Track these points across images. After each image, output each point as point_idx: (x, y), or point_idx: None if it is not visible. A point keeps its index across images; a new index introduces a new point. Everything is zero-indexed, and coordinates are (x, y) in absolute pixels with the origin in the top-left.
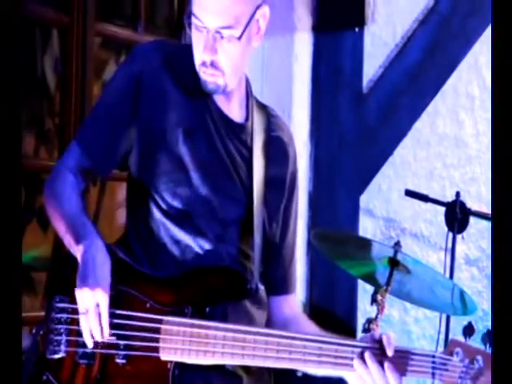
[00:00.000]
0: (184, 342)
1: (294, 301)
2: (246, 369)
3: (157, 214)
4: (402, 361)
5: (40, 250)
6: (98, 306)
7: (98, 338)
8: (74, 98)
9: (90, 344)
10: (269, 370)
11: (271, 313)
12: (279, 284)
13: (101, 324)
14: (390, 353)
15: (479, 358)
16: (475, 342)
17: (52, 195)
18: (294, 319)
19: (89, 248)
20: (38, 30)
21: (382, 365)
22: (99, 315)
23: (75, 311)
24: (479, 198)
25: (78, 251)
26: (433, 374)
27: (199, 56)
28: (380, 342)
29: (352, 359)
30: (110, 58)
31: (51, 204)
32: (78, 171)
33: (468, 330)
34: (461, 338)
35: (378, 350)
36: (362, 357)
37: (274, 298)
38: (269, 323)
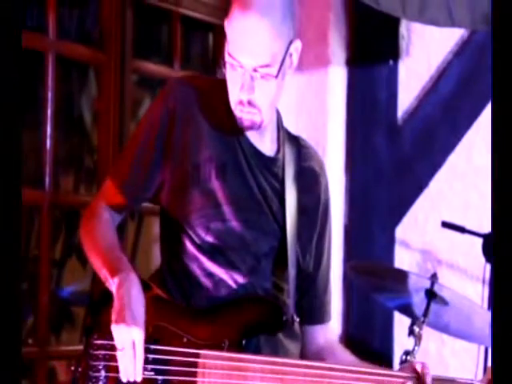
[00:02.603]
0: (222, 375)
1: (329, 330)
2: None
3: (190, 248)
4: None
5: (79, 285)
6: (133, 343)
7: (132, 378)
8: (111, 136)
9: (124, 379)
10: None
11: (306, 342)
12: (314, 313)
13: (135, 363)
14: (428, 381)
15: None
16: None
17: (88, 232)
18: (329, 348)
19: (124, 281)
20: (75, 69)
21: None
22: (134, 353)
23: (113, 348)
24: None
25: (113, 284)
26: None
27: (236, 95)
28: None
29: None
30: (145, 96)
31: (87, 240)
32: (112, 207)
33: None
34: None
35: (419, 380)
36: None
37: (308, 328)
38: (303, 353)
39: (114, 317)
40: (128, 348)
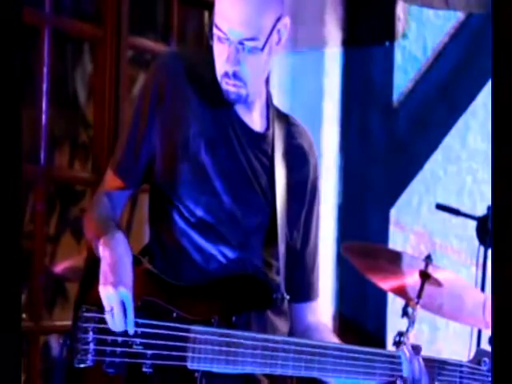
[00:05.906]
0: (213, 351)
1: (316, 308)
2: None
3: (179, 223)
4: (430, 370)
5: (73, 261)
6: (122, 302)
7: (121, 328)
8: (107, 112)
9: (118, 329)
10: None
11: (293, 320)
12: (301, 291)
13: (127, 320)
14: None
15: None
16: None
17: (86, 216)
18: (315, 327)
19: (109, 241)
20: (70, 44)
21: None
22: (124, 312)
23: (102, 320)
24: None
25: (99, 246)
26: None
27: (222, 67)
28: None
29: (381, 368)
30: (140, 72)
31: (85, 223)
32: (112, 193)
33: None
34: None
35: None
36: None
37: (295, 305)
38: (291, 330)
39: (100, 278)
40: (116, 307)
